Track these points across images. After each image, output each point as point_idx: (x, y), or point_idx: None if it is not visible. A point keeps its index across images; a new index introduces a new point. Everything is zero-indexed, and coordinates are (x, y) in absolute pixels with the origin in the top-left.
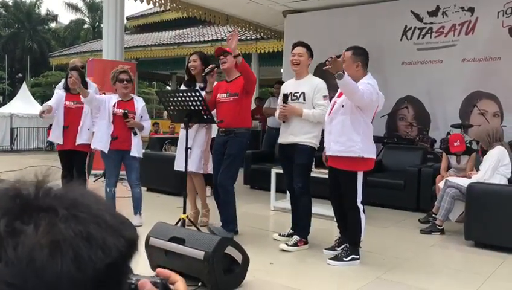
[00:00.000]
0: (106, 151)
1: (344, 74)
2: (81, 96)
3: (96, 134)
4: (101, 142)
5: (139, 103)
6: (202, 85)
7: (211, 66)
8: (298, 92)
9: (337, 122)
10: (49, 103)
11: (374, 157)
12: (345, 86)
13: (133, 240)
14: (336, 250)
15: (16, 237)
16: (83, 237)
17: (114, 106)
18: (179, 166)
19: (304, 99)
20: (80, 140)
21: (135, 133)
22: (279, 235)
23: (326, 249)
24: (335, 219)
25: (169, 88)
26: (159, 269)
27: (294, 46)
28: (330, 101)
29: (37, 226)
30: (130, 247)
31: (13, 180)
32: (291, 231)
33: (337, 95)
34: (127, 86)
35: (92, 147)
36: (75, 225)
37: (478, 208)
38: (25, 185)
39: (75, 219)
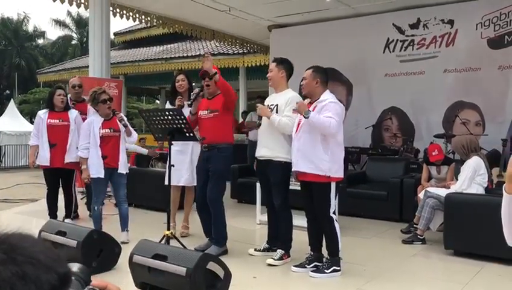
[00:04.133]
0: (102, 176)
1: (310, 112)
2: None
3: (91, 165)
4: (96, 170)
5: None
6: (189, 102)
7: (196, 90)
8: (273, 104)
9: (305, 140)
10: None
11: (341, 176)
12: (314, 123)
13: (65, 274)
14: (305, 268)
15: None
16: (19, 276)
17: (100, 128)
18: (178, 181)
19: (277, 112)
20: (69, 158)
21: (125, 126)
22: (255, 250)
23: (295, 266)
24: (308, 235)
25: (158, 102)
26: (94, 282)
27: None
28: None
29: None
30: (63, 280)
31: None
32: (266, 245)
33: None
34: (110, 106)
35: (91, 177)
36: (12, 266)
37: (456, 218)
38: None
39: (13, 261)
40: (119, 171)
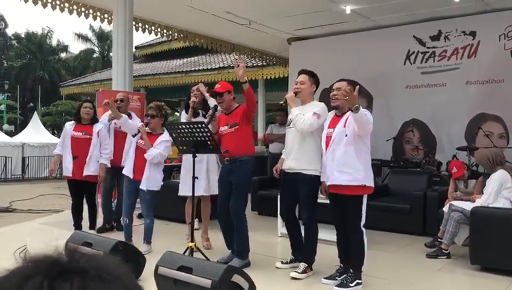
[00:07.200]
0: (131, 177)
1: (359, 106)
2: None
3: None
4: (126, 168)
5: (161, 138)
6: (206, 117)
7: (210, 112)
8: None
9: (341, 152)
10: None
11: (373, 185)
12: (361, 117)
13: None
14: (336, 280)
15: None
16: None
17: (141, 138)
18: (186, 191)
19: None
20: (87, 171)
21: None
22: (282, 263)
23: (325, 278)
24: (337, 248)
25: (177, 114)
26: None
27: (299, 74)
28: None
29: (72, 284)
30: None
31: (52, 251)
32: (292, 257)
33: (327, 125)
34: (150, 121)
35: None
36: (101, 283)
37: (482, 232)
38: (60, 254)
39: (100, 279)
40: (140, 186)
